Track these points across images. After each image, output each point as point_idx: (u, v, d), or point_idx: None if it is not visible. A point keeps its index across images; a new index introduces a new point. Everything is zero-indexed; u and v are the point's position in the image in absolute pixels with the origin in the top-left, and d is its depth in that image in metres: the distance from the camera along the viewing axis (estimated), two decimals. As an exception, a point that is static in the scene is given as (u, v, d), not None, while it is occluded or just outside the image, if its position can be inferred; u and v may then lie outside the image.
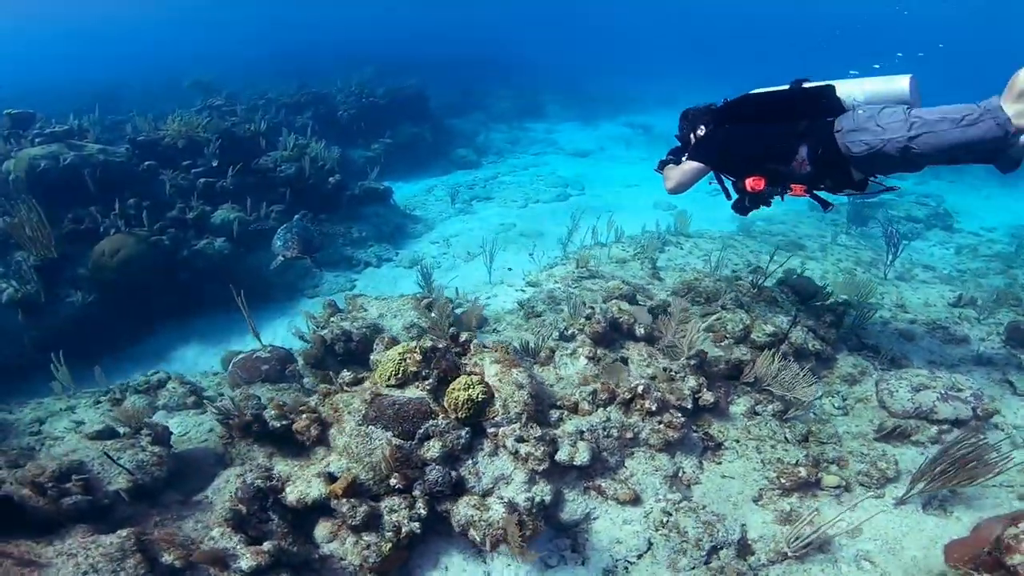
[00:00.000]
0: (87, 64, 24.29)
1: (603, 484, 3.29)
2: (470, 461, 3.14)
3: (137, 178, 8.27)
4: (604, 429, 3.35)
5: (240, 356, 4.37)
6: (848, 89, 3.21)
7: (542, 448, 3.09)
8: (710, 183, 3.83)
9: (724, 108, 3.60)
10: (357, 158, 12.34)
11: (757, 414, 3.85)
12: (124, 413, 3.39)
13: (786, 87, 3.42)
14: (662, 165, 3.80)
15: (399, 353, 3.29)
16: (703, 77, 25.74)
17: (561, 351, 4.01)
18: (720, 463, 3.53)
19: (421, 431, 3.05)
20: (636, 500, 3.24)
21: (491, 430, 3.21)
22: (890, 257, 7.04)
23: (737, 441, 3.64)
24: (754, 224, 9.19)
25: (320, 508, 2.87)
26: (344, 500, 2.76)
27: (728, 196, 3.64)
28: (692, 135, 3.73)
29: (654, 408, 3.39)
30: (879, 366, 4.60)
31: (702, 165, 3.57)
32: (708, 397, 3.66)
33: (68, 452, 3.18)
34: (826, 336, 4.60)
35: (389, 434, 3.02)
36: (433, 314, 4.83)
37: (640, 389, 3.41)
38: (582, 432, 3.31)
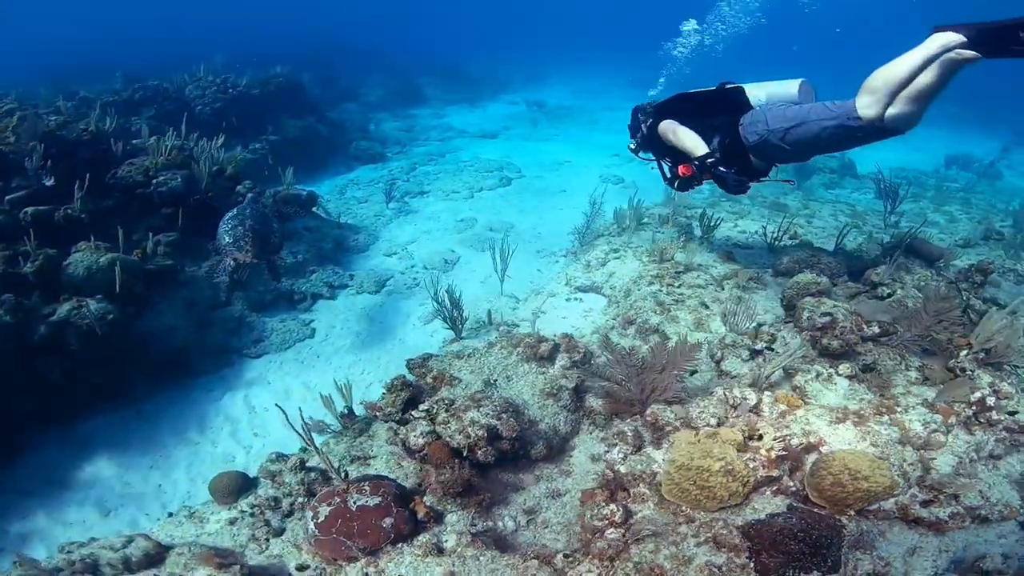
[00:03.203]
0: None
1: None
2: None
3: (-93, 220, 5.13)
4: (967, 456, 2.49)
5: (329, 514, 2.40)
6: (754, 91, 3.79)
7: (955, 502, 2.13)
8: (651, 168, 4.40)
9: (664, 104, 4.16)
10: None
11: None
12: None
13: (713, 88, 3.98)
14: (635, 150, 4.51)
15: (736, 452, 1.92)
16: (555, 50, 26.05)
17: (803, 375, 2.91)
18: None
19: (845, 549, 1.81)
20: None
21: (872, 506, 2.10)
22: (889, 207, 7.09)
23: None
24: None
25: None
26: None
27: (664, 177, 4.20)
28: (642, 127, 4.26)
29: (1002, 418, 2.60)
30: (1018, 321, 4.30)
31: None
32: (1007, 388, 2.89)
33: None
34: (980, 298, 4.13)
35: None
36: (561, 363, 3.34)
37: (990, 402, 2.60)
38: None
